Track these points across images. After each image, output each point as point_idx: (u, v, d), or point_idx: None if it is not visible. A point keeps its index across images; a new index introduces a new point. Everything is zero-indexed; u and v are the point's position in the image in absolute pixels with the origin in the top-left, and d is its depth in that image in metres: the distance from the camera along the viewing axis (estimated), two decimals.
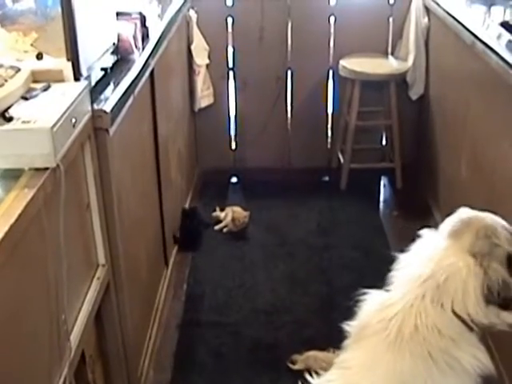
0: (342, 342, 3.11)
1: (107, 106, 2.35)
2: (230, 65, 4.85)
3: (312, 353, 3.17)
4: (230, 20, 4.71)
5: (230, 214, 4.30)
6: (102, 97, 2.41)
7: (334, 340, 3.25)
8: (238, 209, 4.35)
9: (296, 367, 3.14)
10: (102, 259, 2.45)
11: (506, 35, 3.23)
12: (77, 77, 2.27)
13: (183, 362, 3.24)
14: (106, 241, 2.46)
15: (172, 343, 3.36)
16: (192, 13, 4.49)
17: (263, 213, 4.53)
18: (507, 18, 3.56)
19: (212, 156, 5.02)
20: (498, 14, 3.71)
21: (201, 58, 4.60)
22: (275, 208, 4.62)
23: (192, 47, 4.52)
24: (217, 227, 4.33)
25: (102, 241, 2.43)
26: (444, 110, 4.31)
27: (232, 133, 5.04)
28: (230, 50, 4.82)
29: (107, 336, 2.60)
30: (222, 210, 4.43)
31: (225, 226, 4.31)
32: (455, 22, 3.76)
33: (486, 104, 3.39)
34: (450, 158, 4.10)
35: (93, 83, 2.43)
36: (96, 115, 2.29)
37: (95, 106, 2.31)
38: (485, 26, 3.48)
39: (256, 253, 4.12)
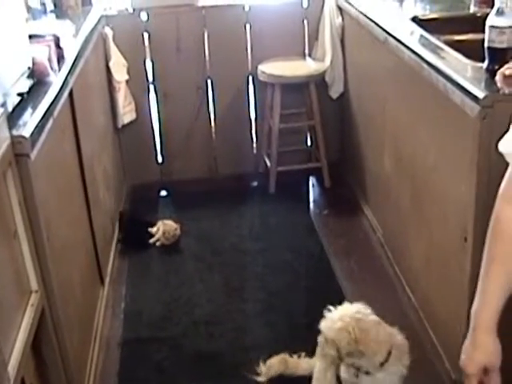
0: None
1: (26, 131, 2.33)
2: (150, 79, 4.85)
3: (275, 360, 3.19)
4: (146, 34, 4.70)
5: (161, 228, 4.29)
6: (21, 122, 2.39)
7: (276, 343, 3.30)
8: (168, 222, 4.34)
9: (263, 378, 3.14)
10: (34, 285, 2.42)
11: (417, 30, 3.31)
12: None
13: (127, 381, 3.22)
14: (37, 267, 2.43)
15: (115, 362, 3.33)
16: (108, 30, 4.47)
17: (195, 223, 4.52)
18: (417, 13, 3.65)
19: (139, 171, 4.99)
20: (410, 9, 3.80)
21: (120, 75, 4.58)
22: (206, 218, 4.62)
23: (110, 64, 4.49)
24: (150, 241, 4.32)
25: (32, 267, 2.40)
26: (364, 106, 4.39)
27: (157, 146, 5.03)
28: (149, 63, 4.81)
29: (47, 362, 2.57)
30: (152, 225, 4.42)
31: (157, 240, 4.30)
32: (367, 20, 3.83)
33: (402, 97, 3.47)
34: (373, 152, 4.18)
35: (10, 109, 2.40)
36: (15, 141, 2.26)
37: (14, 132, 2.29)
38: (396, 21, 3.55)
39: (191, 264, 4.12)
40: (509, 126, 1.70)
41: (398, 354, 2.71)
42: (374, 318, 2.70)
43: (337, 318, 2.66)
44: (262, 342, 3.36)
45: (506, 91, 2.33)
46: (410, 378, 2.74)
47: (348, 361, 2.70)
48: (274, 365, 3.14)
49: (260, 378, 3.12)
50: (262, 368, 3.14)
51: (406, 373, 2.73)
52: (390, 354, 2.68)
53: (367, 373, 2.71)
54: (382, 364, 2.67)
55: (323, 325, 2.69)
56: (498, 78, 2.38)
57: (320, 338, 2.72)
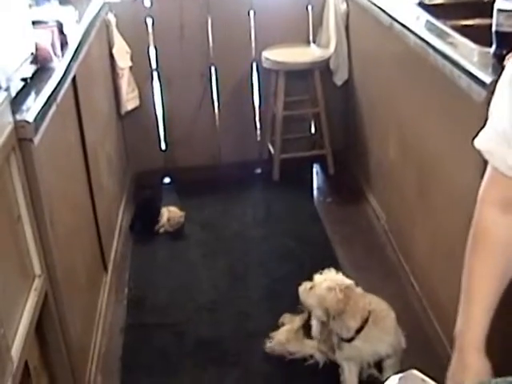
0: None
1: (29, 116, 2.32)
2: (154, 65, 4.83)
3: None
4: (149, 21, 4.68)
5: (166, 214, 4.29)
6: (24, 107, 2.38)
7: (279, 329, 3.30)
8: (173, 209, 4.35)
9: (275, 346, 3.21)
10: (37, 270, 2.42)
11: (423, 15, 3.29)
12: None
13: (130, 366, 3.23)
14: (41, 251, 2.43)
15: (118, 347, 3.35)
16: (111, 16, 4.46)
17: (199, 210, 4.52)
18: None
19: (143, 158, 4.98)
20: None
21: (123, 61, 4.57)
22: (210, 205, 4.62)
23: (113, 51, 4.48)
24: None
25: (36, 252, 2.40)
26: (369, 92, 4.37)
27: (161, 133, 5.02)
28: (153, 50, 4.80)
29: (50, 346, 2.57)
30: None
31: (161, 227, 4.30)
32: (373, 6, 3.81)
33: (408, 84, 3.45)
34: (378, 139, 4.17)
35: (13, 94, 2.40)
36: (19, 126, 2.26)
37: (17, 117, 2.28)
38: (402, 6, 3.53)
39: (194, 251, 4.12)
40: (485, 122, 1.61)
41: (377, 320, 2.80)
42: (359, 290, 2.87)
43: (330, 277, 2.86)
44: (265, 328, 3.34)
45: None
46: (413, 367, 2.73)
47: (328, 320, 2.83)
48: (292, 319, 3.26)
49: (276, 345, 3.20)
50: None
51: (405, 343, 2.89)
52: (366, 321, 2.78)
53: (342, 339, 2.83)
54: (358, 331, 2.78)
55: (316, 277, 2.90)
56: (506, 62, 2.35)
57: (305, 286, 2.92)
